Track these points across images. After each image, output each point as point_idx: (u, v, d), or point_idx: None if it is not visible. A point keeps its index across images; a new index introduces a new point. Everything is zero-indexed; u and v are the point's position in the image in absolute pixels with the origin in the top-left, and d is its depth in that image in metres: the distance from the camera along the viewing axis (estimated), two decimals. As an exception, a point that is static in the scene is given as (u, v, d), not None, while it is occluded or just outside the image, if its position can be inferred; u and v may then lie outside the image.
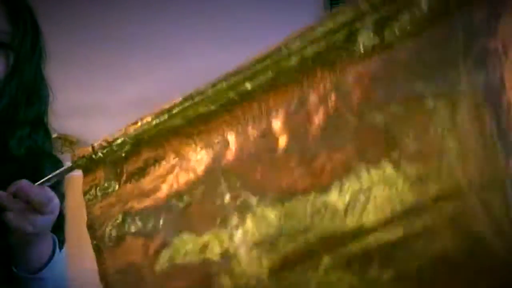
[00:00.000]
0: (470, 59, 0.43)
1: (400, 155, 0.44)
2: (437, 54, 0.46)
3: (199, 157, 0.55)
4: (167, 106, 0.55)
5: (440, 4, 0.45)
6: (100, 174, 0.59)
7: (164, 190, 0.55)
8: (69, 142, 3.34)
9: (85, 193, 0.59)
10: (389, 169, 0.45)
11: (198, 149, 0.55)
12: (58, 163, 0.76)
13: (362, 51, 0.49)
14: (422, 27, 0.47)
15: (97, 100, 2.92)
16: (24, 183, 0.60)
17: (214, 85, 0.54)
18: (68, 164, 0.63)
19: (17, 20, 0.69)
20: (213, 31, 2.28)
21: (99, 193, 0.58)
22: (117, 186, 0.58)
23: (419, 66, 0.47)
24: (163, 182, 0.55)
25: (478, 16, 0.43)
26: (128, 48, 2.40)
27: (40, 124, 0.75)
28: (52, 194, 0.61)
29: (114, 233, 0.56)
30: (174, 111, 0.55)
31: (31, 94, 0.73)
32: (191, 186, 0.54)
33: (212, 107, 0.53)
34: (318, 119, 0.49)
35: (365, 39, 0.49)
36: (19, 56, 0.70)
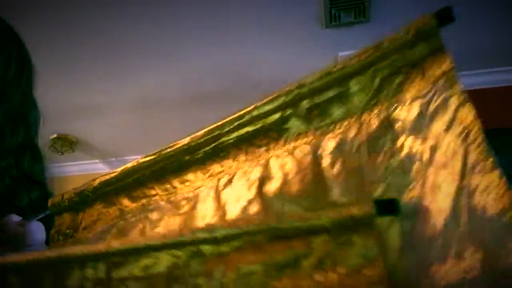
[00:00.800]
0: (393, 160, 0.42)
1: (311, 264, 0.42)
2: (361, 153, 0.45)
3: (133, 220, 0.57)
4: (129, 165, 0.59)
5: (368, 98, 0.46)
6: (66, 220, 0.63)
7: (101, 248, 0.56)
8: (69, 142, 3.33)
9: (52, 236, 0.63)
10: None
11: (136, 212, 0.58)
12: (44, 189, 0.76)
13: (291, 137, 0.49)
14: (344, 121, 0.47)
15: (97, 100, 2.92)
16: (8, 219, 0.61)
17: (160, 151, 0.58)
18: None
19: (1, 50, 0.68)
20: (213, 31, 2.28)
21: (60, 238, 0.62)
22: (74, 234, 0.61)
23: (339, 169, 0.46)
24: (101, 239, 0.58)
25: (410, 115, 0.43)
26: (128, 49, 2.41)
27: (26, 149, 0.74)
28: (32, 228, 0.61)
29: None
30: (130, 170, 0.59)
31: (17, 120, 0.72)
32: (122, 252, 0.54)
33: (149, 174, 0.57)
34: (240, 201, 0.50)
35: (295, 125, 0.50)
36: (4, 84, 0.68)
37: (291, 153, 0.49)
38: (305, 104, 0.50)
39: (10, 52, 0.70)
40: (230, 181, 0.53)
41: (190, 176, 0.56)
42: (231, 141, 0.54)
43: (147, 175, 0.58)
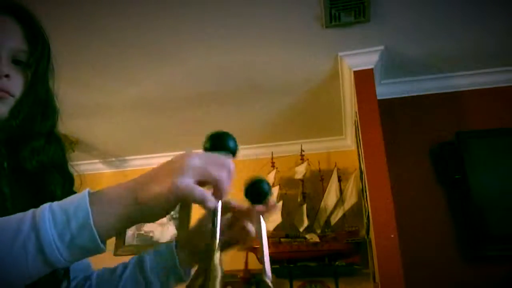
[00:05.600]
0: None
1: None
2: None
3: None
4: None
5: None
6: None
7: None
8: (69, 142, 3.34)
9: None
10: None
11: None
12: (69, 177, 0.77)
13: None
14: None
15: (97, 100, 2.92)
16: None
17: None
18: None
19: (35, 41, 0.74)
20: (213, 31, 2.28)
21: None
22: None
23: None
24: None
25: None
26: (128, 50, 2.41)
27: (53, 137, 0.78)
28: None
29: None
30: None
31: (46, 108, 0.77)
32: None
33: None
34: None
35: None
36: (36, 74, 0.74)
37: None
38: None
39: (44, 47, 0.76)
40: None
41: None
42: None
43: None
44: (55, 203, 0.49)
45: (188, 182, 0.49)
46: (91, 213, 0.47)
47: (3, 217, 0.48)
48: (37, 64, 0.74)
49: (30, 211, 0.48)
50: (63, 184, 0.74)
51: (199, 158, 0.51)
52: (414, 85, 2.74)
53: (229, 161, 0.53)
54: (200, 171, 0.50)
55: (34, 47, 0.73)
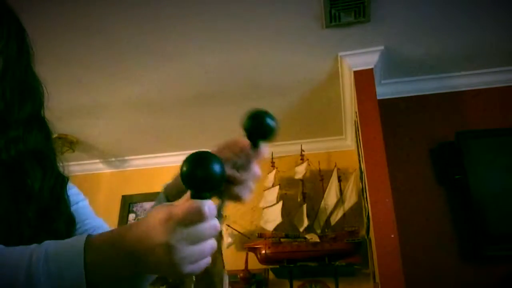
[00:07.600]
0: None
1: None
2: None
3: None
4: None
5: None
6: None
7: None
8: (69, 142, 3.34)
9: None
10: None
11: None
12: (51, 169, 0.73)
13: None
14: None
15: (97, 100, 2.92)
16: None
17: None
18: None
19: (0, 25, 0.70)
20: (213, 32, 2.28)
21: None
22: None
23: None
24: None
25: None
26: (128, 49, 2.40)
27: (34, 122, 0.74)
28: None
29: None
30: None
31: (24, 93, 0.73)
32: None
33: None
34: None
35: None
36: (7, 58, 0.70)
37: None
38: None
39: (9, 28, 0.71)
40: None
41: None
42: None
43: None
44: (52, 248, 0.49)
45: (188, 269, 0.48)
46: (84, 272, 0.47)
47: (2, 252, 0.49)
48: (6, 47, 0.69)
49: (28, 253, 0.48)
50: (42, 178, 0.70)
51: (181, 245, 0.47)
52: (414, 85, 2.74)
53: (212, 224, 0.49)
54: (191, 258, 0.48)
55: (1, 31, 0.69)
